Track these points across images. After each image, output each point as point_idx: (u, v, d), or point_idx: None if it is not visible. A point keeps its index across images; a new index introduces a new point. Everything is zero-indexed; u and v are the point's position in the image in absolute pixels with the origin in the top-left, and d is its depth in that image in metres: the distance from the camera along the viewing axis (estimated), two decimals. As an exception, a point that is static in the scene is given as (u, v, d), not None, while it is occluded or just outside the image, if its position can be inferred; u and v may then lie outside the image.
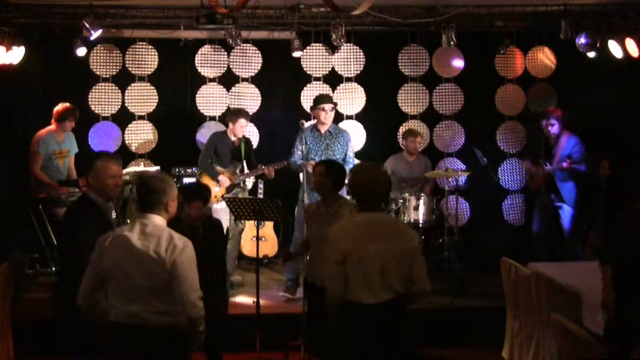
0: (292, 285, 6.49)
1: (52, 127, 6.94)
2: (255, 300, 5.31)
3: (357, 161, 6.72)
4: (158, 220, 3.55)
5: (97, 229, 3.96)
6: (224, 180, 6.88)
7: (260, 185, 7.68)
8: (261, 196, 7.58)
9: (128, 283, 3.46)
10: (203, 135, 7.85)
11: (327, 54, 8.07)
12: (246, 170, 7.20)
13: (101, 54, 7.93)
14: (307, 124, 6.80)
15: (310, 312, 4.96)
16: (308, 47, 8.00)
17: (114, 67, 7.98)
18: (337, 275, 3.63)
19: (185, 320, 3.50)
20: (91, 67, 7.91)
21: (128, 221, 7.42)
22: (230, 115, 7.11)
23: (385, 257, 3.61)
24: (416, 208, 6.99)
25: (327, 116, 6.55)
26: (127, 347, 3.49)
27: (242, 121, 6.96)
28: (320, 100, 6.63)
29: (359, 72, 8.13)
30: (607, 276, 4.27)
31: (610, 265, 4.27)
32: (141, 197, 3.60)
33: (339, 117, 8.14)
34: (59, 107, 6.90)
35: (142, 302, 3.44)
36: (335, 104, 6.71)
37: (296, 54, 7.85)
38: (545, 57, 8.14)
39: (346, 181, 4.94)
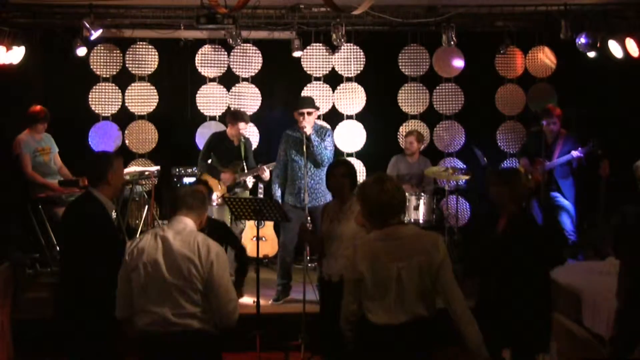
0: (283, 290, 6.47)
1: (27, 130, 6.92)
2: (255, 300, 5.31)
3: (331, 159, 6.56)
4: (190, 223, 3.60)
5: (111, 226, 4.02)
6: (225, 179, 6.89)
7: (261, 185, 7.69)
8: (261, 196, 7.58)
9: (160, 282, 3.42)
10: (203, 135, 7.85)
11: (327, 54, 8.07)
12: (246, 170, 7.22)
13: (101, 54, 7.94)
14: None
15: (323, 311, 4.85)
16: (308, 47, 8.00)
17: (114, 67, 7.99)
18: (353, 292, 3.44)
19: (218, 325, 3.52)
20: (91, 67, 7.91)
21: (129, 221, 7.46)
22: (230, 117, 7.11)
23: (404, 276, 3.34)
24: (416, 208, 6.98)
25: (303, 120, 6.26)
26: (160, 353, 3.46)
27: (241, 125, 6.95)
28: (298, 104, 6.41)
29: (359, 72, 8.13)
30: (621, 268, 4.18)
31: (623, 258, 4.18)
32: (179, 199, 3.66)
33: (339, 117, 8.16)
34: (29, 110, 6.89)
35: (172, 304, 3.41)
36: (315, 108, 6.41)
37: (296, 54, 7.85)
38: (545, 57, 8.14)
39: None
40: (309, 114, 6.27)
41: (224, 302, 3.49)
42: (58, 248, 6.71)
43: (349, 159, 8.11)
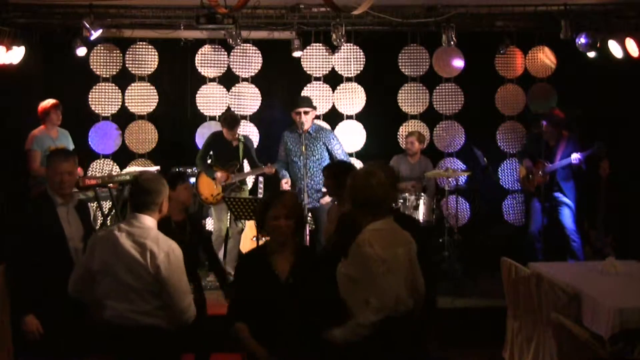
0: None
1: (42, 126, 6.91)
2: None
3: (346, 158, 6.63)
4: (148, 222, 3.59)
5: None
6: (219, 180, 6.89)
7: (261, 185, 7.68)
8: (261, 196, 7.57)
9: (116, 282, 3.49)
10: (203, 135, 7.85)
11: (327, 54, 8.07)
12: (245, 170, 7.21)
13: (101, 54, 7.94)
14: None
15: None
16: (308, 47, 8.00)
17: (114, 67, 7.99)
18: (388, 287, 3.29)
19: (174, 322, 3.55)
20: (91, 67, 7.92)
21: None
22: (220, 120, 7.15)
23: (404, 264, 3.39)
24: (416, 208, 6.98)
25: (301, 120, 6.38)
26: (120, 347, 3.52)
27: (224, 131, 6.98)
28: (293, 104, 6.51)
29: (359, 72, 8.13)
30: None
31: None
32: (135, 198, 3.65)
33: (339, 117, 8.16)
34: (40, 106, 6.83)
35: (128, 302, 3.48)
36: (312, 108, 6.51)
37: (296, 54, 7.85)
38: (545, 57, 8.14)
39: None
40: (305, 113, 6.29)
41: (176, 301, 3.51)
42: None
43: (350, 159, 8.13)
